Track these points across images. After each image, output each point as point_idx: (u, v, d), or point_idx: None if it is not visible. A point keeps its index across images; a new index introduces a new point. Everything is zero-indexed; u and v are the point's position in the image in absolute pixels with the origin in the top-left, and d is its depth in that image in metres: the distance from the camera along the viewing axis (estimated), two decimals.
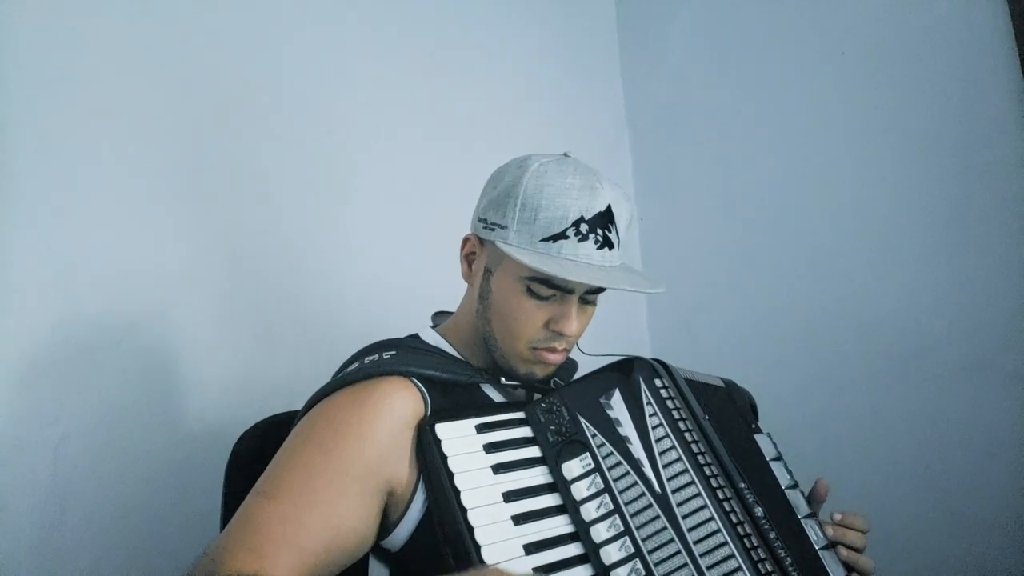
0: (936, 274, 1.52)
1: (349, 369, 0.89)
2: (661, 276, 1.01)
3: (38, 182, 1.14)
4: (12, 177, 1.11)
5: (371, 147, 1.59)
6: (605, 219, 0.86)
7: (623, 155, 2.18)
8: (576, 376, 1.04)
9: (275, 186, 1.43)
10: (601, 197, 0.86)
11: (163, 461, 1.21)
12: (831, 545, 0.85)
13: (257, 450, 0.95)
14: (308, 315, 1.43)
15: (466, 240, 0.95)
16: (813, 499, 0.91)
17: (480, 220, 0.92)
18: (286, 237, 1.43)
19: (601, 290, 0.90)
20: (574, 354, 0.99)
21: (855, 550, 0.86)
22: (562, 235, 0.84)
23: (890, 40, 1.60)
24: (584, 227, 0.84)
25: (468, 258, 0.94)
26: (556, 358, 0.90)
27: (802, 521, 0.86)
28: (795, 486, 0.90)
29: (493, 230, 0.88)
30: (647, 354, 0.92)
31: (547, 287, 0.86)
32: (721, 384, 1.00)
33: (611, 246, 0.87)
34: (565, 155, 0.93)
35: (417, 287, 1.46)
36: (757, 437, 0.95)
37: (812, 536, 0.84)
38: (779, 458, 0.93)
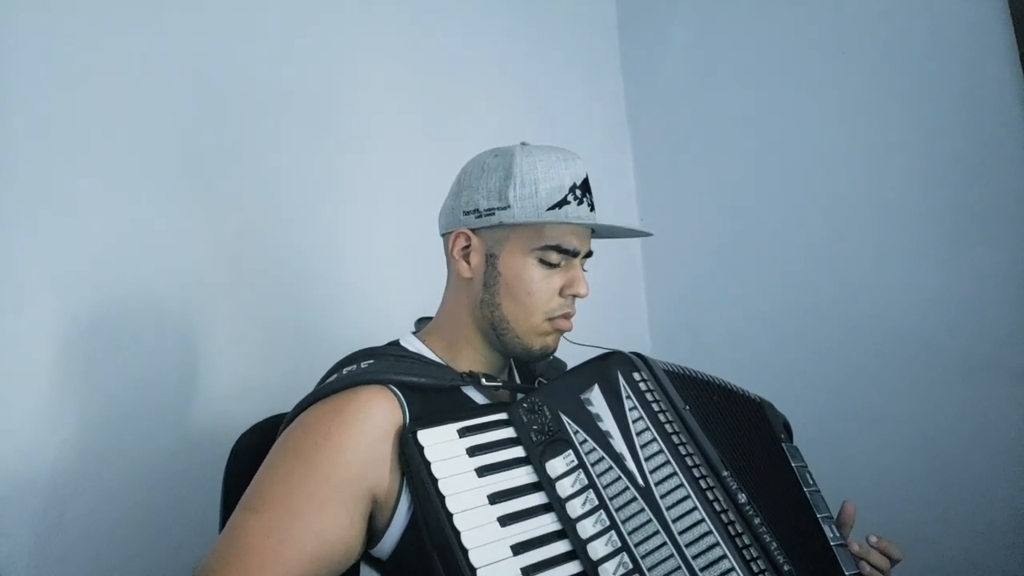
0: (937, 274, 1.51)
1: (328, 381, 0.91)
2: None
3: (39, 186, 1.15)
4: (13, 180, 1.12)
5: (369, 149, 1.60)
6: (588, 184, 0.96)
7: (623, 155, 2.18)
8: None
9: (274, 189, 1.44)
10: (580, 165, 0.95)
11: (162, 464, 1.22)
12: (854, 555, 0.86)
13: (256, 451, 0.94)
14: (307, 317, 1.44)
15: (457, 237, 0.96)
16: (841, 522, 0.91)
17: (468, 213, 0.94)
18: (284, 239, 1.44)
19: (590, 254, 0.98)
20: (562, 343, 1.01)
21: (878, 570, 0.87)
22: (564, 201, 0.92)
23: (891, 39, 1.60)
24: (578, 192, 0.93)
25: (463, 253, 0.96)
26: (568, 324, 0.96)
27: (819, 518, 0.85)
28: (817, 490, 0.90)
29: (493, 214, 0.92)
30: (647, 353, 0.93)
31: (557, 253, 0.92)
32: (754, 397, 0.99)
33: (594, 209, 0.96)
34: (523, 144, 0.97)
35: (416, 289, 1.47)
36: (784, 445, 0.94)
37: (828, 533, 0.84)
38: (804, 466, 0.93)
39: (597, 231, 0.99)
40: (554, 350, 0.98)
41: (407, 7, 1.72)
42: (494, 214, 0.92)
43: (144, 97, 1.28)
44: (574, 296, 0.95)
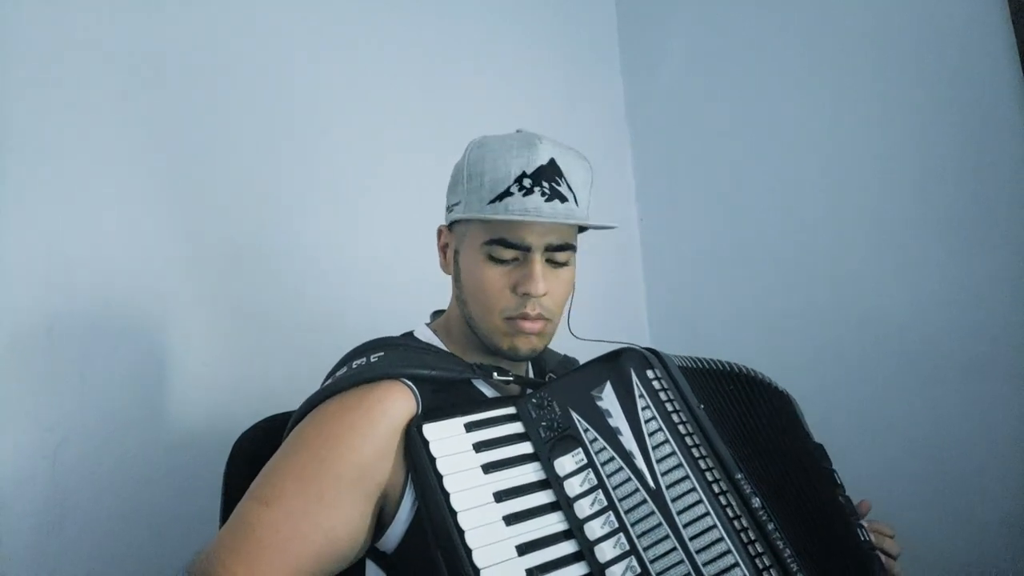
0: (937, 273, 1.49)
1: (338, 375, 0.88)
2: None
3: (33, 187, 1.14)
4: (7, 181, 1.11)
5: (369, 147, 1.59)
6: (551, 172, 0.86)
7: (623, 155, 2.17)
8: None
9: (272, 187, 1.43)
10: (541, 152, 0.87)
11: (162, 463, 1.21)
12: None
13: (255, 451, 0.94)
14: (306, 315, 1.43)
15: (439, 232, 0.97)
16: None
17: (447, 208, 0.95)
18: (283, 237, 1.43)
19: (565, 248, 0.89)
20: (568, 338, 0.98)
21: (891, 556, 0.86)
22: (507, 192, 0.85)
23: (890, 39, 1.59)
24: (527, 181, 0.85)
25: (443, 249, 0.97)
26: (532, 326, 0.88)
27: (849, 521, 0.83)
28: (843, 491, 0.88)
29: (451, 211, 0.91)
30: None
31: (505, 248, 0.86)
32: (782, 389, 0.96)
33: (563, 199, 0.86)
34: (518, 131, 0.95)
35: (417, 286, 1.45)
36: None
37: (861, 537, 0.82)
38: (832, 469, 0.91)
39: (586, 221, 0.91)
40: (527, 353, 0.90)
41: (406, 7, 1.71)
42: (452, 210, 0.92)
43: (139, 95, 1.28)
44: (527, 295, 0.86)
